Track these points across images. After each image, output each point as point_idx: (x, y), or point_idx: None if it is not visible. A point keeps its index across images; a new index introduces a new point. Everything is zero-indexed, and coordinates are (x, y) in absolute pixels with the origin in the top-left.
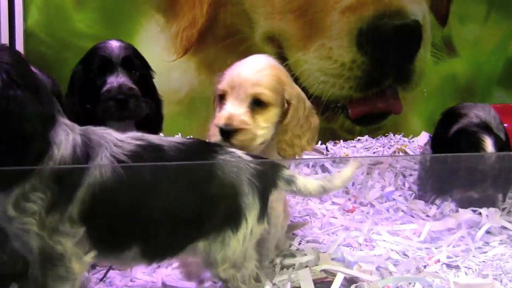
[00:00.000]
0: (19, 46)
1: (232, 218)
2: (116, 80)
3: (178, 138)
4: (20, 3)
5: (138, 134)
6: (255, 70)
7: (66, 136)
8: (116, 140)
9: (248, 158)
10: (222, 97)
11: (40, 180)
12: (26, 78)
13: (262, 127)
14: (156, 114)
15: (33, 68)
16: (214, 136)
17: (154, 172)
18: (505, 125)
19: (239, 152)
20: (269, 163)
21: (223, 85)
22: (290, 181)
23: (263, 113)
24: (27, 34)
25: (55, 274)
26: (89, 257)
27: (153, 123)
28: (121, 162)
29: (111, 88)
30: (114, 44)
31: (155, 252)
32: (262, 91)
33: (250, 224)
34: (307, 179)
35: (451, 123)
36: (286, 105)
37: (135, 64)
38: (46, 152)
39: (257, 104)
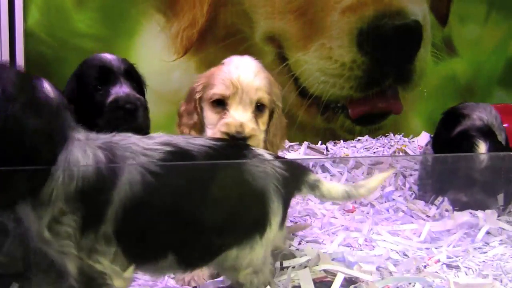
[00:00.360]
0: (19, 46)
1: (260, 224)
2: (121, 90)
3: (205, 140)
4: (20, 3)
5: (165, 138)
6: (254, 74)
7: (83, 154)
8: (143, 149)
9: (273, 159)
10: (219, 102)
11: (67, 202)
12: (26, 94)
13: (262, 131)
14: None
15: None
16: None
17: (186, 179)
18: (505, 125)
19: (266, 155)
20: (296, 166)
21: (220, 89)
22: (314, 186)
23: (262, 117)
24: (27, 34)
25: None
26: (130, 272)
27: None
28: (152, 173)
29: (118, 98)
30: (110, 56)
31: (191, 260)
32: (264, 96)
33: (273, 229)
34: (332, 184)
35: (453, 124)
36: (273, 106)
37: (134, 76)
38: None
39: (259, 109)
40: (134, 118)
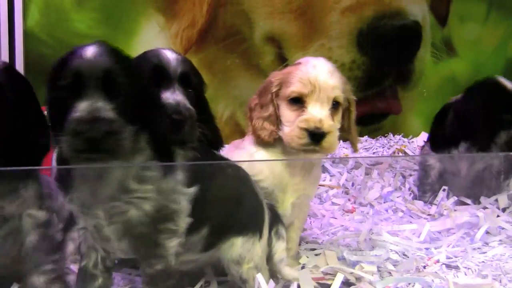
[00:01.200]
0: (19, 47)
1: (259, 223)
2: (172, 96)
3: None
4: (20, 3)
5: None
6: (329, 73)
7: None
8: None
9: None
10: (296, 100)
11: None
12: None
13: (337, 129)
14: (214, 138)
15: None
16: (300, 139)
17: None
18: None
19: None
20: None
21: (298, 87)
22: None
23: (337, 114)
24: (26, 35)
25: (167, 230)
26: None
27: (211, 146)
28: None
29: (166, 105)
30: (170, 54)
31: (215, 237)
32: (339, 94)
33: (266, 233)
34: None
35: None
36: (346, 103)
37: (192, 81)
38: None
39: (334, 107)
40: (179, 129)
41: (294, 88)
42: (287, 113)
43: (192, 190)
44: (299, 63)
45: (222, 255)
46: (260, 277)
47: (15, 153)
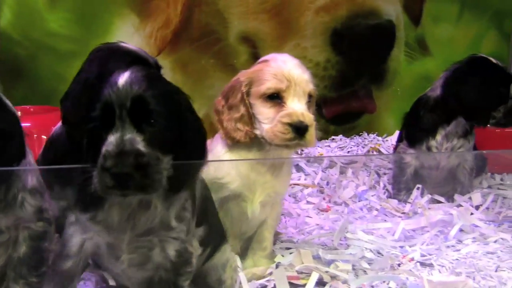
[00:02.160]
0: None
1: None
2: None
3: None
4: None
5: None
6: (300, 68)
7: None
8: None
9: None
10: (272, 96)
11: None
12: None
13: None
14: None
15: None
16: (285, 135)
17: None
18: None
19: None
20: None
21: (273, 83)
22: None
23: (311, 108)
24: (0, 35)
25: (186, 273)
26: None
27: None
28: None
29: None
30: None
31: (213, 250)
32: (312, 87)
33: None
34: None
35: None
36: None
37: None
38: None
39: (309, 100)
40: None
41: (270, 84)
42: (264, 110)
43: (201, 230)
44: (266, 60)
45: (213, 263)
46: (242, 276)
47: None
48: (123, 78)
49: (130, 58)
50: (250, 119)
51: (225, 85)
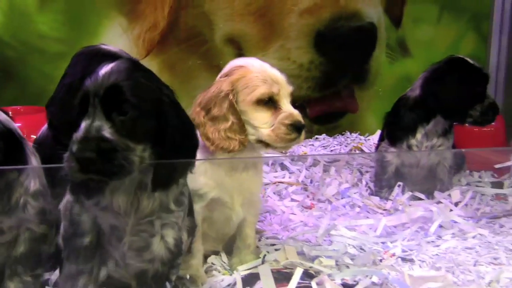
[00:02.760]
0: None
1: None
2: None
3: None
4: None
5: None
6: (278, 70)
7: None
8: None
9: None
10: (265, 101)
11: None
12: None
13: None
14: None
15: None
16: (288, 135)
17: None
18: None
19: None
20: None
21: (266, 88)
22: None
23: None
24: None
25: (177, 263)
26: None
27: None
28: None
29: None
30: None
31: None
32: (292, 88)
33: None
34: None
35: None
36: None
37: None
38: None
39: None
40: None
41: (263, 90)
42: (259, 115)
43: (187, 221)
44: (241, 66)
45: None
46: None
47: None
48: (105, 69)
49: (111, 60)
50: (243, 127)
51: (200, 96)
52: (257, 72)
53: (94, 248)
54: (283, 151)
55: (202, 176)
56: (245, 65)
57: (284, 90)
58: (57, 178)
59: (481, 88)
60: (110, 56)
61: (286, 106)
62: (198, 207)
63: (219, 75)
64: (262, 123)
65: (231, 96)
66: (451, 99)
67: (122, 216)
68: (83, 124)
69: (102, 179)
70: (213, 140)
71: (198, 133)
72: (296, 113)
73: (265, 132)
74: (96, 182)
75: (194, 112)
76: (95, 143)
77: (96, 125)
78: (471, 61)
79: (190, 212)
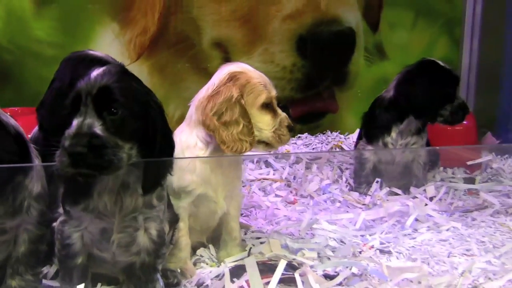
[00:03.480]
0: None
1: None
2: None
3: None
4: None
5: None
6: None
7: None
8: None
9: None
10: (266, 105)
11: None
12: None
13: None
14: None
15: None
16: (286, 136)
17: None
18: None
19: None
20: None
21: (267, 93)
22: None
23: None
24: None
25: (162, 253)
26: None
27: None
28: None
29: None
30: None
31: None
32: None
33: None
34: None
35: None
36: None
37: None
38: None
39: None
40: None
41: (265, 94)
42: (264, 118)
43: (167, 213)
44: (242, 72)
45: None
46: (226, 270)
47: None
48: (97, 71)
49: (99, 65)
50: (252, 129)
51: (207, 102)
52: (257, 78)
53: (86, 266)
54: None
55: (190, 175)
56: (244, 71)
57: (274, 94)
58: (50, 176)
59: (451, 89)
60: (97, 61)
61: (278, 109)
62: (185, 203)
63: (217, 79)
64: (266, 125)
65: (242, 101)
66: (421, 99)
67: (108, 217)
68: (75, 122)
69: (92, 173)
70: (228, 143)
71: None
72: (286, 115)
73: (269, 134)
74: (86, 177)
75: (206, 117)
76: (86, 139)
77: (87, 122)
78: (442, 64)
79: (169, 205)
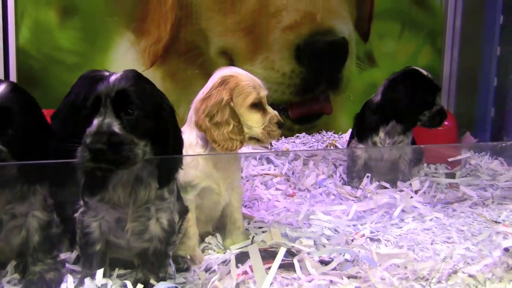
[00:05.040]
0: (12, 61)
1: None
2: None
3: None
4: (13, 24)
5: None
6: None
7: None
8: None
9: None
10: (256, 104)
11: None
12: None
13: None
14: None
15: None
16: (275, 132)
17: None
18: None
19: None
20: None
21: (257, 93)
22: None
23: None
24: (18, 51)
25: (173, 241)
26: None
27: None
28: None
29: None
30: (110, 76)
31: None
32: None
33: None
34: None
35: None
36: None
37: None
38: None
39: None
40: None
41: (255, 95)
42: (253, 117)
43: (177, 204)
44: (232, 75)
45: None
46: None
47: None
48: (115, 76)
49: None
50: (241, 128)
51: (199, 103)
52: (247, 80)
53: (104, 253)
54: (267, 146)
55: (194, 170)
56: (235, 75)
57: (264, 95)
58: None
59: (430, 97)
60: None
61: (268, 108)
62: (191, 196)
63: (211, 83)
64: (255, 123)
65: (232, 104)
66: (402, 105)
67: (123, 207)
68: (96, 121)
69: (110, 168)
70: (219, 142)
71: (203, 136)
72: (276, 113)
73: (259, 130)
74: (104, 171)
75: (199, 119)
76: (106, 137)
77: (107, 121)
78: (424, 72)
79: (179, 198)
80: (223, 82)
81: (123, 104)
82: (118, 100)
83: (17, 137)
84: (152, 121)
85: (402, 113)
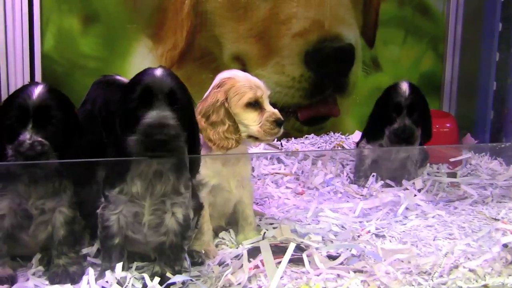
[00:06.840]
0: (37, 66)
1: None
2: (156, 115)
3: None
4: (38, 31)
5: None
6: (257, 79)
7: None
8: None
9: None
10: (252, 104)
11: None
12: None
13: None
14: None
15: None
16: (273, 130)
17: None
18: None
19: None
20: None
21: (252, 93)
22: None
23: None
24: (43, 56)
25: (188, 235)
26: None
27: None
28: None
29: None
30: (160, 74)
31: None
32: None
33: None
34: None
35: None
36: None
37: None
38: None
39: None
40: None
41: (250, 95)
42: (249, 116)
43: (192, 201)
44: (230, 78)
45: None
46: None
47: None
48: (158, 72)
49: None
50: (237, 128)
51: (199, 105)
52: (243, 81)
53: (122, 246)
54: (268, 143)
55: (204, 169)
56: (232, 77)
57: (265, 94)
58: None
59: (393, 113)
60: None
61: (268, 107)
62: (203, 193)
63: (212, 86)
64: (252, 121)
65: (226, 104)
66: (370, 121)
67: (140, 200)
68: (152, 113)
69: (165, 156)
70: (214, 141)
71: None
72: (276, 111)
73: (255, 128)
74: (158, 158)
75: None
76: (169, 129)
77: (166, 114)
78: (398, 88)
79: (194, 195)
80: (220, 84)
81: (174, 99)
82: (169, 96)
83: (56, 133)
84: (188, 115)
85: (367, 123)
